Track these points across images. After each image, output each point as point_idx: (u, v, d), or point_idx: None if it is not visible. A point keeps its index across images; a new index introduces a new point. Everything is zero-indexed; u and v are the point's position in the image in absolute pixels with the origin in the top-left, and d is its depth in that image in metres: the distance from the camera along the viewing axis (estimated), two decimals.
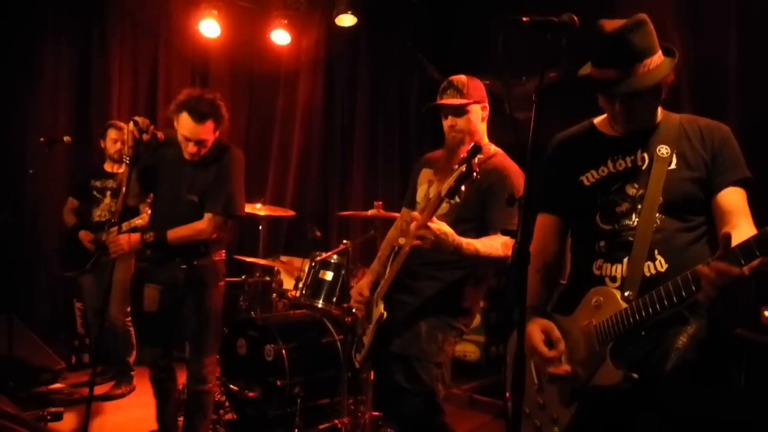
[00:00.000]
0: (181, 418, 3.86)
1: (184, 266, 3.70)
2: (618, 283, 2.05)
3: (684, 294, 1.80)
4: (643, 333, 1.97)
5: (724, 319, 2.11)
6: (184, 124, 3.56)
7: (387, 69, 6.87)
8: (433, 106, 3.00)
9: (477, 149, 2.42)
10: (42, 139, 4.71)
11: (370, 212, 4.67)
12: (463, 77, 2.97)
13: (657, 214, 2.04)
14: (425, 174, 3.14)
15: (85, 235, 4.91)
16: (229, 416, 4.49)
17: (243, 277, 5.30)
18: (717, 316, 2.05)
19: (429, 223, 2.51)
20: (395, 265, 2.90)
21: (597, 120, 2.30)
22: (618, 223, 2.09)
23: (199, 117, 3.53)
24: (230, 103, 7.57)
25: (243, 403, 4.37)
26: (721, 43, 4.11)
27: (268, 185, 7.52)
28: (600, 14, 2.12)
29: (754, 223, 1.98)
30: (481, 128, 3.01)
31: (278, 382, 4.09)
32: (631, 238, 2.05)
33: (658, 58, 2.03)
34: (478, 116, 2.97)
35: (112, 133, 5.11)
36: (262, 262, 5.31)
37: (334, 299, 4.48)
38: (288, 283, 5.60)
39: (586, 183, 2.20)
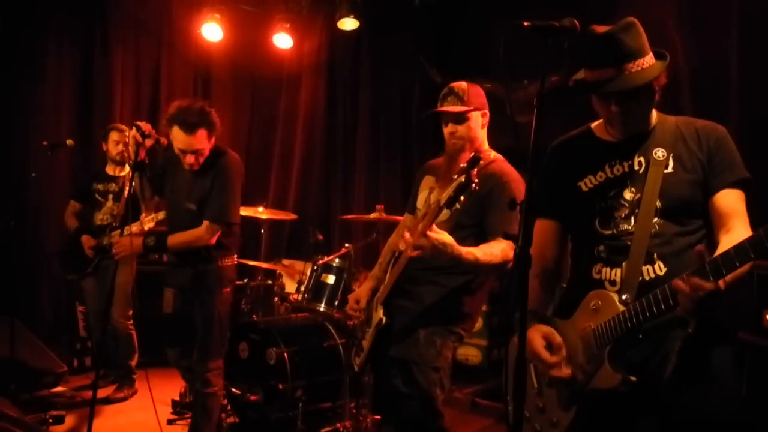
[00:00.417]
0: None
1: (191, 271, 3.79)
2: (617, 287, 2.05)
3: (671, 303, 1.82)
4: (640, 336, 1.98)
5: (726, 322, 2.11)
6: (177, 137, 3.62)
7: (389, 72, 6.88)
8: (434, 113, 3.00)
9: (476, 160, 2.42)
10: (45, 143, 4.72)
11: (372, 216, 4.68)
12: (463, 84, 2.97)
13: (655, 219, 2.04)
14: (427, 181, 3.15)
15: (86, 240, 4.92)
16: (231, 419, 4.49)
17: (245, 280, 5.30)
18: (718, 319, 2.05)
19: (428, 232, 2.50)
20: (395, 271, 2.91)
21: (594, 125, 2.30)
22: (617, 228, 2.10)
23: (189, 128, 3.58)
24: (232, 106, 7.64)
25: (245, 406, 4.37)
26: (722, 43, 4.11)
27: (271, 189, 7.54)
28: (601, 18, 2.13)
29: (752, 225, 1.98)
30: (482, 135, 3.01)
31: (280, 386, 4.09)
32: (629, 243, 2.06)
33: (650, 59, 2.04)
34: (479, 123, 2.97)
35: (114, 136, 5.12)
36: (264, 265, 5.32)
37: (336, 303, 4.48)
38: (290, 287, 5.61)
39: (584, 189, 2.20)
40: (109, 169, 5.20)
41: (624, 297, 1.99)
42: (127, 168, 5.13)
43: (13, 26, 5.96)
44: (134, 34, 6.84)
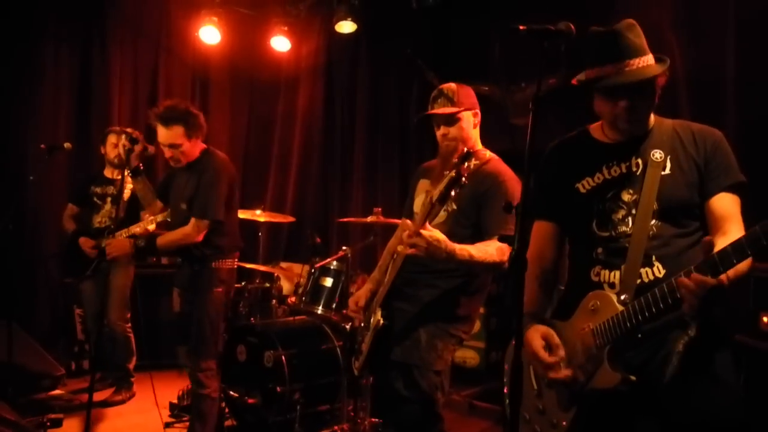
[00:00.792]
0: None
1: (189, 271, 3.93)
2: (616, 290, 2.05)
3: (673, 298, 1.82)
4: (639, 336, 1.97)
5: (723, 324, 2.11)
6: (158, 132, 3.82)
7: (387, 75, 6.89)
8: (424, 116, 3.01)
9: (468, 155, 2.42)
10: (43, 146, 4.72)
11: (370, 218, 4.68)
12: (453, 85, 2.97)
13: (653, 221, 2.05)
14: (423, 184, 3.14)
15: (85, 242, 4.92)
16: (229, 422, 4.49)
17: (243, 283, 5.30)
18: (717, 320, 2.06)
19: (421, 230, 2.51)
20: (392, 272, 2.91)
21: (591, 127, 2.31)
22: (615, 230, 2.11)
23: (165, 122, 3.77)
24: (230, 109, 7.65)
25: (243, 409, 4.37)
26: (719, 46, 4.12)
27: (268, 191, 7.54)
28: (598, 21, 2.14)
29: (747, 227, 1.97)
30: (474, 134, 3.00)
31: (278, 389, 4.09)
32: (627, 245, 2.06)
33: (651, 59, 2.06)
34: (470, 123, 2.96)
35: (112, 139, 5.12)
36: (262, 268, 5.32)
37: (334, 305, 4.49)
38: (288, 290, 5.62)
39: (582, 190, 2.21)
40: (107, 172, 5.21)
41: (623, 297, 2.00)
42: (126, 171, 5.13)
43: (11, 30, 5.95)
44: (132, 37, 6.84)
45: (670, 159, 2.09)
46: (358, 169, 7.00)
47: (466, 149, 2.49)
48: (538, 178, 2.37)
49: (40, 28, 6.15)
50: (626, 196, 2.11)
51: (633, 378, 1.95)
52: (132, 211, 4.91)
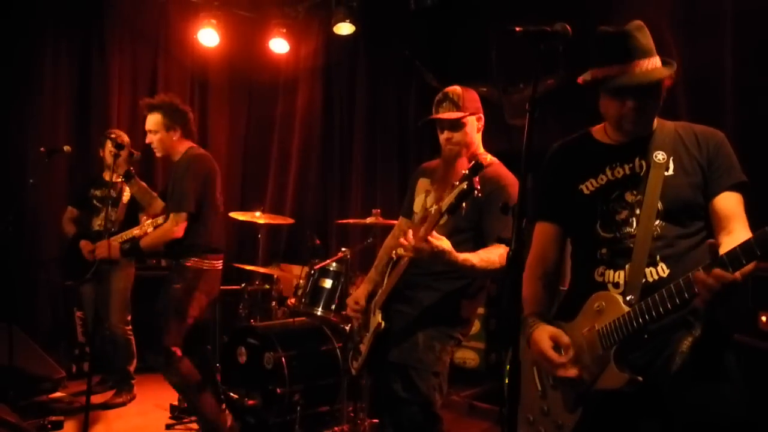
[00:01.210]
0: None
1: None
2: (621, 290, 2.06)
3: (683, 297, 1.82)
4: (646, 336, 1.98)
5: (727, 324, 2.12)
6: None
7: (385, 77, 6.89)
8: (430, 120, 3.01)
9: (479, 167, 2.43)
10: (42, 149, 4.72)
11: (369, 220, 4.69)
12: (458, 89, 2.96)
13: (657, 221, 2.05)
14: (422, 184, 3.14)
15: (85, 245, 4.92)
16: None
17: (242, 285, 5.31)
18: (720, 321, 2.07)
19: (429, 238, 2.52)
20: (393, 276, 2.91)
21: (594, 129, 2.32)
22: (619, 231, 2.11)
23: (149, 108, 4.00)
24: (229, 111, 7.67)
25: (243, 410, 4.37)
26: (717, 47, 4.12)
27: (268, 193, 7.55)
28: (596, 22, 2.15)
29: (750, 227, 1.99)
30: (477, 139, 3.01)
31: (278, 390, 4.10)
32: (631, 245, 2.07)
33: (658, 61, 2.07)
34: (474, 127, 2.97)
35: (111, 142, 5.12)
36: (261, 270, 5.32)
37: (333, 307, 4.49)
38: (287, 291, 5.62)
39: (586, 192, 2.21)
40: (107, 175, 5.21)
41: (629, 298, 2.00)
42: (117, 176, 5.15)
43: (10, 33, 5.96)
44: (131, 39, 6.85)
45: (672, 160, 2.10)
46: (357, 170, 7.01)
47: (476, 161, 2.49)
48: (540, 180, 2.37)
49: (39, 31, 6.15)
50: (630, 197, 2.12)
51: (640, 379, 1.95)
52: (132, 214, 4.93)
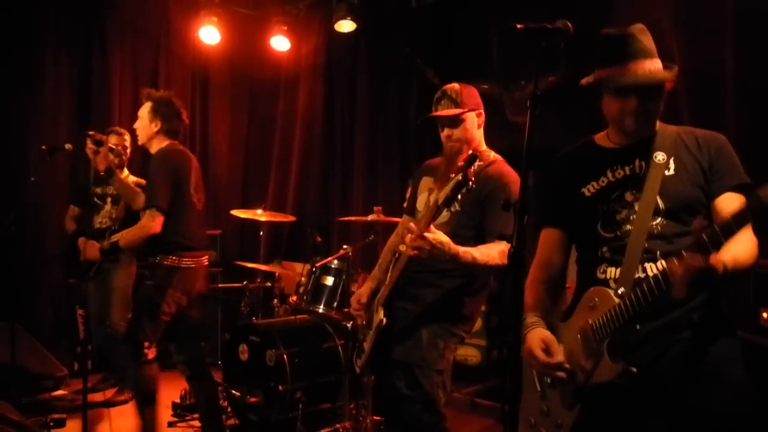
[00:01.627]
0: None
1: None
2: (617, 285, 2.07)
3: (663, 289, 1.83)
4: (638, 327, 1.97)
5: (731, 321, 2.12)
6: None
7: (386, 74, 6.89)
8: (429, 117, 3.01)
9: (473, 158, 2.44)
10: (43, 147, 4.73)
11: (371, 217, 4.69)
12: (456, 86, 2.97)
13: (658, 219, 2.06)
14: (425, 182, 3.14)
15: (83, 243, 4.92)
16: (231, 421, 4.51)
17: (244, 282, 5.31)
18: (724, 318, 2.08)
19: (426, 233, 2.52)
20: (395, 272, 2.91)
21: (596, 136, 2.34)
22: (619, 230, 2.12)
23: (145, 97, 4.07)
24: (230, 109, 7.67)
25: (245, 408, 4.38)
26: (718, 49, 4.12)
27: (269, 191, 7.56)
28: (598, 20, 2.15)
29: (753, 230, 1.98)
30: (478, 135, 3.01)
31: (280, 387, 4.10)
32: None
33: (659, 63, 2.10)
34: (474, 123, 2.96)
35: (112, 140, 5.13)
36: (263, 267, 5.33)
37: (335, 304, 4.50)
38: (289, 289, 5.62)
39: (587, 194, 2.23)
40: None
41: (620, 291, 2.01)
42: (126, 171, 5.16)
43: (11, 32, 5.95)
44: (132, 37, 6.84)
45: (673, 161, 2.11)
46: (358, 167, 7.01)
47: (471, 152, 2.50)
48: (543, 188, 2.40)
49: (40, 29, 6.15)
50: (629, 197, 2.13)
51: (634, 369, 1.95)
52: (134, 212, 4.93)
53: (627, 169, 2.16)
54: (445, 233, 2.60)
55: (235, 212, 5.50)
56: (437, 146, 3.11)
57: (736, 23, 4.05)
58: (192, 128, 7.27)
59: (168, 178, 3.84)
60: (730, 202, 2.02)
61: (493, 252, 2.71)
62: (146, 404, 3.88)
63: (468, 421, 4.83)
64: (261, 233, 5.67)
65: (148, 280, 3.88)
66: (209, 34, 6.60)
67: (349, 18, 6.34)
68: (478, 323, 5.40)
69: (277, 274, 5.66)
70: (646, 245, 2.04)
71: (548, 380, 2.22)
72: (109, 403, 4.91)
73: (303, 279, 4.77)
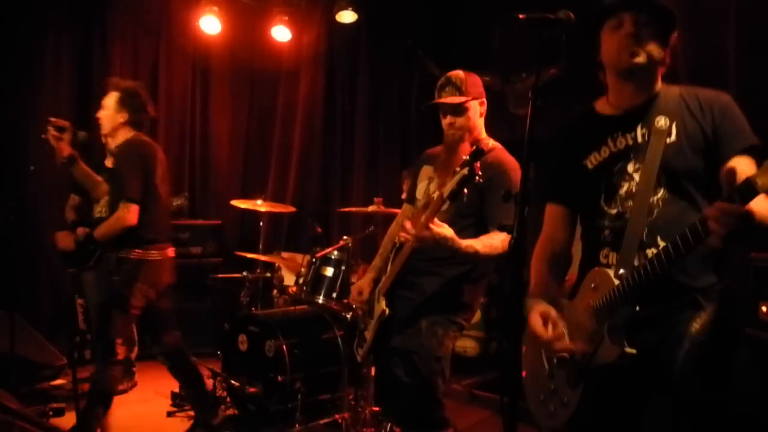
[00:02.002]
0: None
1: None
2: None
3: (690, 242, 1.70)
4: (638, 309, 1.93)
5: (736, 309, 2.10)
6: None
7: (387, 65, 6.88)
8: (432, 104, 2.99)
9: (480, 153, 2.43)
10: (43, 136, 4.71)
11: (371, 208, 4.69)
12: (460, 73, 2.96)
13: (660, 192, 2.00)
14: (426, 171, 3.14)
15: (81, 232, 4.89)
16: (230, 412, 4.51)
17: (244, 273, 5.31)
18: (729, 302, 2.05)
19: (431, 225, 2.52)
20: (397, 263, 2.91)
21: (596, 103, 2.27)
22: (621, 205, 2.07)
23: (111, 87, 4.11)
24: (231, 99, 7.64)
25: (244, 398, 4.38)
26: (720, 38, 4.10)
27: (269, 181, 7.55)
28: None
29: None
30: (480, 124, 3.00)
31: (279, 378, 4.10)
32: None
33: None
34: (477, 112, 2.96)
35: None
36: (262, 258, 5.33)
37: (335, 295, 4.50)
38: (289, 279, 5.63)
39: (590, 166, 2.18)
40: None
41: (621, 272, 1.98)
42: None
43: (11, 22, 5.93)
44: (132, 27, 6.81)
45: (675, 125, 2.03)
46: (358, 158, 7.00)
47: (476, 146, 2.48)
48: (546, 162, 2.35)
49: (40, 19, 6.12)
50: (631, 168, 2.07)
51: (633, 351, 1.92)
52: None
53: (629, 137, 2.09)
54: (444, 221, 2.59)
55: (235, 202, 5.49)
56: (437, 137, 3.10)
57: (738, 17, 4.03)
58: (192, 118, 7.26)
59: (138, 170, 3.84)
60: (738, 167, 1.78)
61: (495, 241, 2.71)
62: (100, 404, 3.80)
63: (467, 412, 4.83)
64: (261, 224, 5.66)
65: (115, 275, 3.86)
66: (210, 23, 6.57)
67: (351, 8, 6.34)
68: (477, 315, 5.41)
69: (276, 264, 5.66)
70: (646, 230, 1.99)
71: (554, 360, 2.20)
72: None
73: (303, 269, 4.76)
